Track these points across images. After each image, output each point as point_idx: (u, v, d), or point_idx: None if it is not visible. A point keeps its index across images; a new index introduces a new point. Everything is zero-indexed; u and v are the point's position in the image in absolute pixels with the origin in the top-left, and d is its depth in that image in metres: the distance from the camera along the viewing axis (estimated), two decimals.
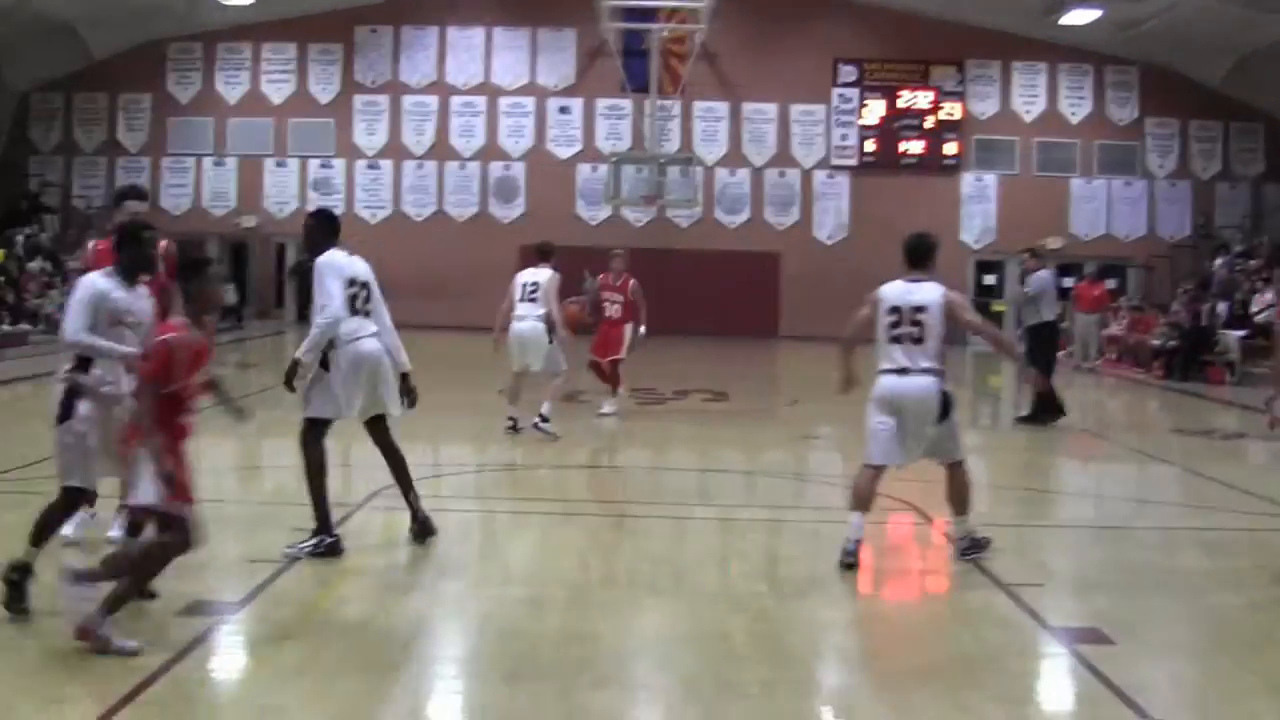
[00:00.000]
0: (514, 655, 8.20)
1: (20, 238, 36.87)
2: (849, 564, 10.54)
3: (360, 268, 10.95)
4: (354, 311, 10.75)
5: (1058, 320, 22.35)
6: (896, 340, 10.81)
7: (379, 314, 11.11)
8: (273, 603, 9.33)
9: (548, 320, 17.90)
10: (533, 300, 17.86)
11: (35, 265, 35.23)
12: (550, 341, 17.95)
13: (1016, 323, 22.62)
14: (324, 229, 11.01)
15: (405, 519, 11.50)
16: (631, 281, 21.41)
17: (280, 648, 8.32)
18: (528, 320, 17.86)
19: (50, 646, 8.07)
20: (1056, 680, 8.48)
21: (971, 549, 10.96)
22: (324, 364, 10.72)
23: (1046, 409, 21.36)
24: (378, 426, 11.21)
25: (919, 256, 11.16)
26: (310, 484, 10.72)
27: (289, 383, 10.89)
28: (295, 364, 10.72)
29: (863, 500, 10.82)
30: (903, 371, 10.77)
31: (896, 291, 10.98)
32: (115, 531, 10.34)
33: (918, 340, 10.80)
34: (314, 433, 10.85)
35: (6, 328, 30.76)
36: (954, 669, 8.25)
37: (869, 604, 10.19)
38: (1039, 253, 23.17)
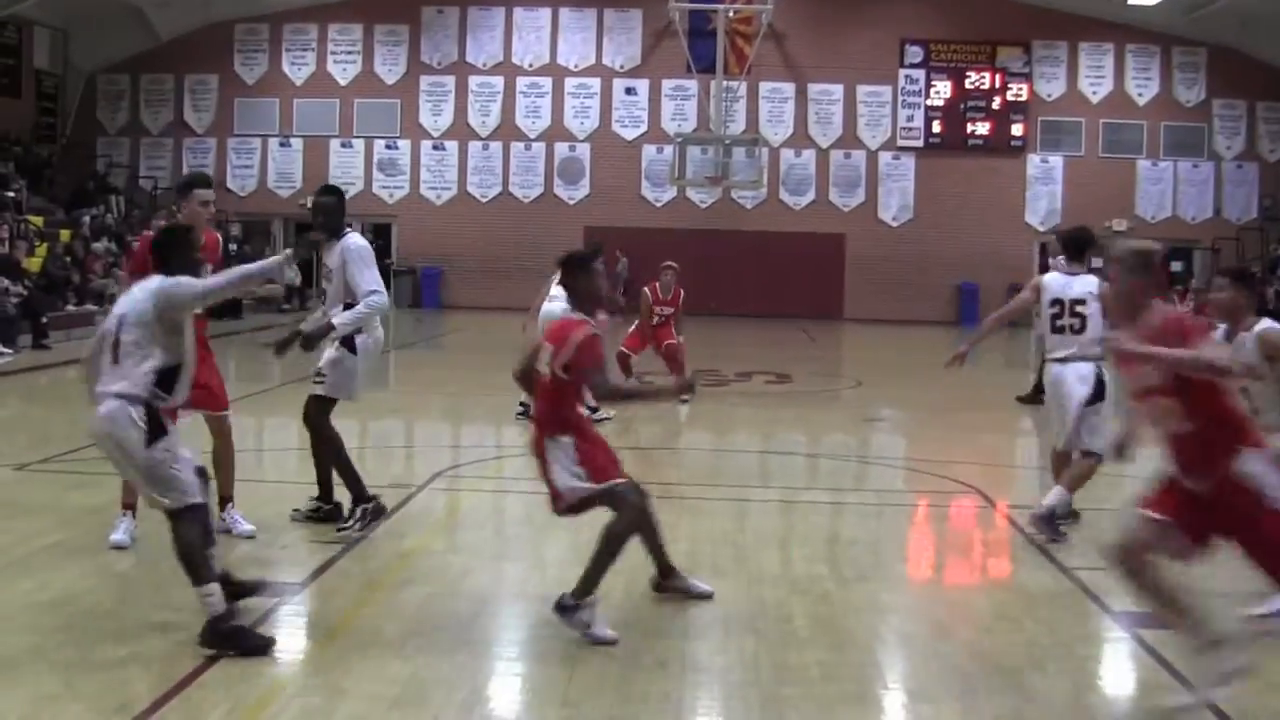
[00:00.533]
0: (574, 638, 8.20)
1: (87, 218, 37.07)
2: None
3: None
4: None
5: None
6: (1059, 330, 11.17)
7: None
8: (334, 583, 9.37)
9: None
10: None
11: (100, 246, 35.42)
12: None
13: None
14: (344, 208, 10.93)
15: (468, 500, 11.54)
16: (682, 294, 21.37)
17: (341, 628, 8.37)
18: (561, 300, 17.56)
19: (116, 627, 8.13)
20: (1120, 665, 8.44)
21: (1044, 524, 10.95)
22: (348, 345, 10.65)
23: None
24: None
25: (1077, 249, 11.46)
26: (337, 461, 10.78)
27: (311, 346, 10.57)
28: (329, 328, 10.50)
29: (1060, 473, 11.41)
30: (1064, 360, 11.14)
31: (1058, 283, 11.31)
32: (245, 526, 10.44)
33: (1078, 331, 11.10)
34: (328, 411, 10.82)
35: (72, 308, 30.95)
36: (1017, 653, 8.21)
37: (930, 588, 10.16)
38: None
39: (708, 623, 8.76)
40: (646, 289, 21.12)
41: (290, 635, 8.44)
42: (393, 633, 8.21)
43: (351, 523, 10.49)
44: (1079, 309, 11.06)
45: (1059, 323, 11.13)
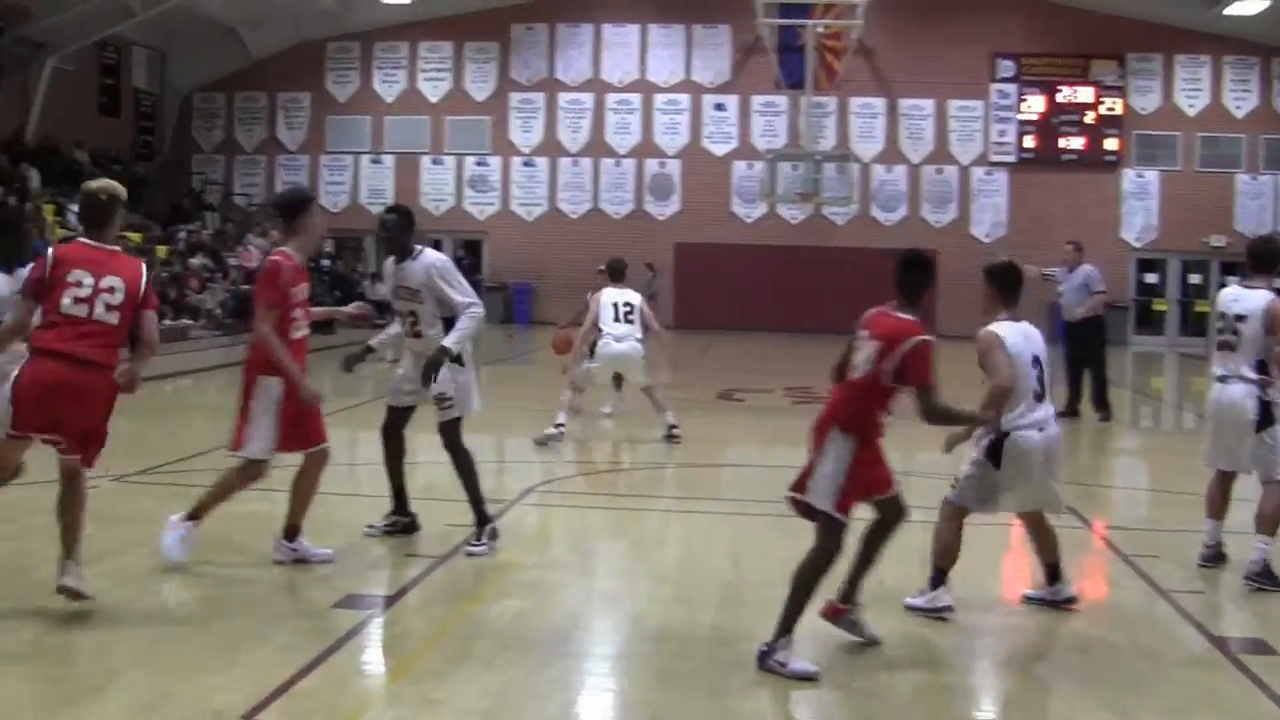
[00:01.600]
0: (666, 654, 8.18)
1: (182, 234, 37.42)
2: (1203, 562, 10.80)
3: None
4: None
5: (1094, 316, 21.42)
6: (1220, 346, 10.65)
7: None
8: (427, 596, 9.39)
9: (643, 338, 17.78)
10: (629, 321, 17.53)
11: (196, 262, 35.73)
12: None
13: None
14: (411, 226, 10.93)
15: (560, 515, 11.52)
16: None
17: (433, 641, 8.39)
18: (628, 341, 17.47)
19: (211, 637, 8.16)
20: (1219, 691, 8.26)
21: (1264, 577, 10.33)
22: (458, 360, 10.57)
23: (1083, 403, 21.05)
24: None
25: (1259, 261, 10.78)
26: (471, 481, 10.72)
27: (429, 376, 10.53)
28: (443, 352, 10.40)
29: (1211, 506, 11.02)
30: (1222, 380, 10.58)
31: (1227, 297, 10.72)
32: (322, 551, 10.26)
33: (1233, 348, 10.47)
34: (459, 431, 10.79)
35: (168, 323, 31.22)
36: (1114, 676, 8.08)
37: (1025, 608, 10.03)
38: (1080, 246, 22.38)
39: (800, 642, 8.67)
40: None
41: (383, 647, 8.46)
42: (484, 646, 8.20)
43: (483, 544, 10.45)
44: (1239, 326, 10.41)
45: (1219, 338, 10.59)
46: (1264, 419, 10.38)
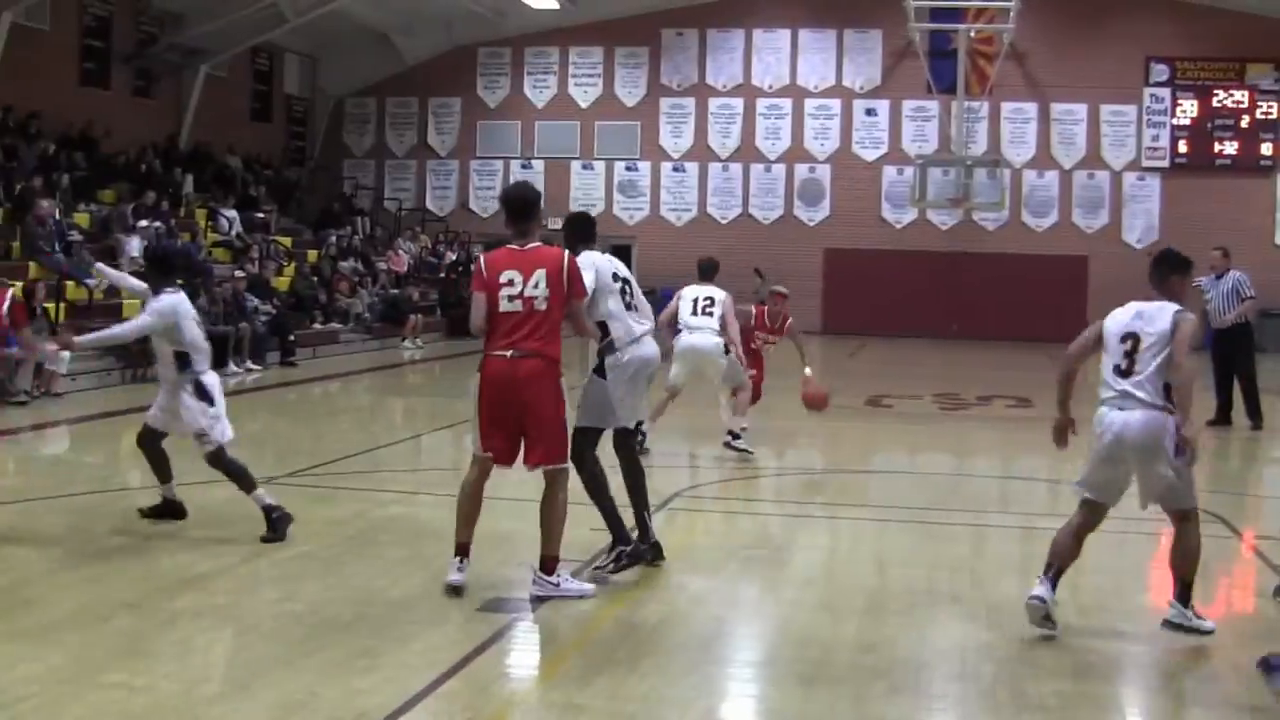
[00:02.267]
0: (809, 660, 8.19)
1: (333, 239, 37.93)
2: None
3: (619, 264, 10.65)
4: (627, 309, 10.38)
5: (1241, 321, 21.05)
6: None
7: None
8: (571, 601, 9.41)
9: (725, 337, 16.49)
10: (708, 314, 16.48)
11: (346, 266, 36.22)
12: (727, 353, 16.55)
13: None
14: (575, 235, 10.71)
15: (705, 520, 11.58)
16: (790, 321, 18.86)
17: (576, 646, 8.48)
18: (703, 332, 16.40)
19: (357, 638, 8.28)
20: (1215, 694, 8.18)
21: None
22: (598, 371, 10.20)
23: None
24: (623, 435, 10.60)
25: None
26: (597, 498, 10.32)
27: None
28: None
29: None
30: None
31: None
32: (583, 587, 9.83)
33: None
34: (588, 443, 10.24)
35: (319, 326, 31.67)
36: (1254, 692, 7.98)
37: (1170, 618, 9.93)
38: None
39: (945, 649, 8.67)
40: (754, 308, 19.00)
41: (527, 650, 8.57)
42: (628, 651, 8.26)
43: (607, 563, 10.19)
44: None
45: None
46: None
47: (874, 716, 7.31)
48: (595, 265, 10.16)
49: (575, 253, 10.11)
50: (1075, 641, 8.90)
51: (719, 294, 16.79)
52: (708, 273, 17.07)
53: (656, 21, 45.37)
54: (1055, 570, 8.97)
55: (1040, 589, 8.87)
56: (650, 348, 10.31)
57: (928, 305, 42.28)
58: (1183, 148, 43.75)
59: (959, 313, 40.45)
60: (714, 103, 45.45)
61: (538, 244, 9.43)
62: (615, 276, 10.36)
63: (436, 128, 46.81)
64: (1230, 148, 43.60)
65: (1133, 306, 9.23)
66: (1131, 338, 9.10)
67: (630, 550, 10.24)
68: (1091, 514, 9.19)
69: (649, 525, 10.48)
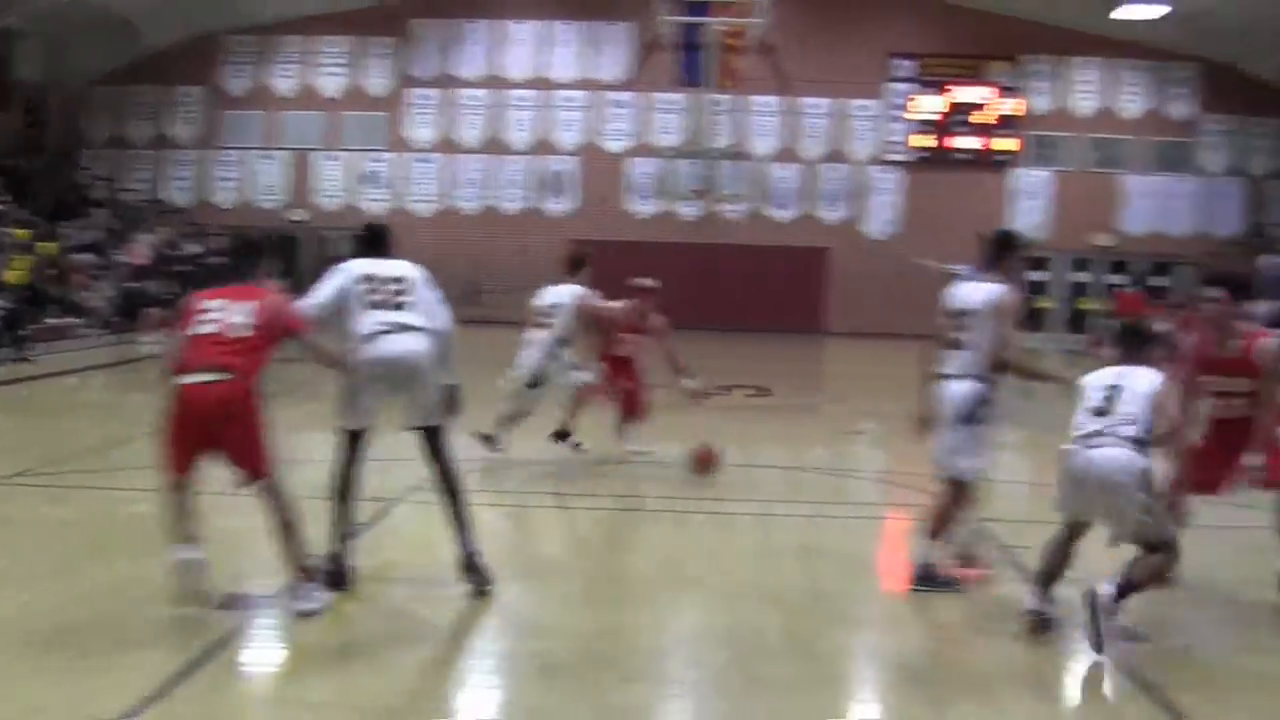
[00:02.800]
0: (546, 651, 8.22)
1: (69, 231, 37.07)
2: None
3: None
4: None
5: None
6: (949, 345, 10.31)
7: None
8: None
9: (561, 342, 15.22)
10: (541, 326, 15.24)
11: (83, 259, 35.43)
12: (559, 360, 15.23)
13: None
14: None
15: (438, 513, 11.56)
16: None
17: (317, 641, 8.39)
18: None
19: (87, 641, 8.11)
20: (1092, 679, 8.43)
21: (924, 580, 10.01)
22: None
23: None
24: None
25: (994, 254, 10.56)
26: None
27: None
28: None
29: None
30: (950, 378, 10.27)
31: (959, 293, 10.42)
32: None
33: (960, 345, 10.21)
34: (341, 443, 9.79)
35: (53, 321, 30.94)
36: (989, 668, 8.24)
37: (904, 600, 10.13)
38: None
39: (681, 636, 8.75)
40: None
41: (264, 649, 8.43)
42: (366, 647, 8.23)
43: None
44: (967, 322, 10.09)
45: (949, 336, 10.29)
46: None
47: (612, 705, 7.38)
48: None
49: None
50: (809, 625, 9.04)
51: (566, 294, 15.35)
52: (574, 265, 15.44)
53: (405, 11, 45.14)
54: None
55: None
56: (389, 345, 9.40)
57: (673, 296, 42.46)
58: (923, 142, 44.71)
59: (703, 303, 40.78)
60: (462, 94, 45.31)
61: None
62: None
63: (179, 117, 45.99)
64: (969, 142, 44.72)
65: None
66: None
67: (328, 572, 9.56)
68: None
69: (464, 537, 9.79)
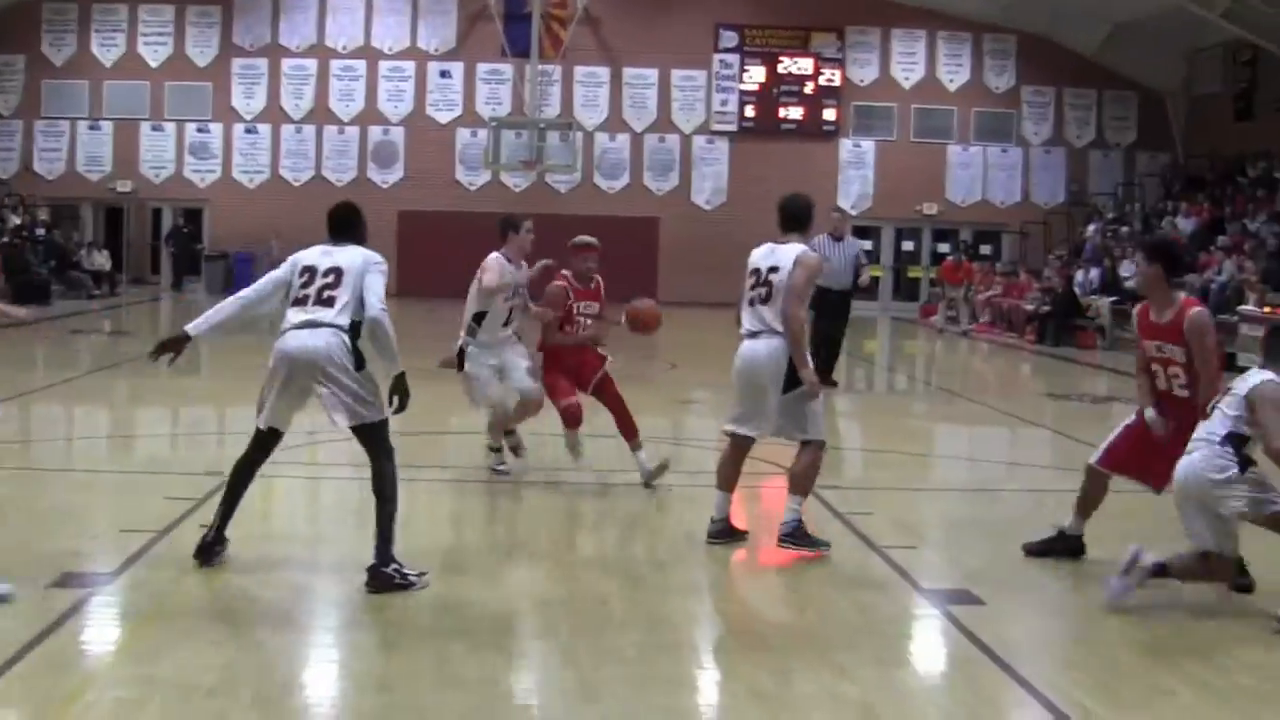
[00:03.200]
0: (390, 623, 8.24)
1: None
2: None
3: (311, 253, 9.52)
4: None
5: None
6: (751, 302, 10.34)
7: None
8: (147, 573, 9.25)
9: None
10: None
11: None
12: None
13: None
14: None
15: (282, 486, 11.49)
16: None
17: (155, 618, 8.28)
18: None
19: None
20: (930, 641, 8.65)
21: (794, 538, 10.28)
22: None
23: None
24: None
25: (790, 219, 10.56)
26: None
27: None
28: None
29: (722, 477, 10.62)
30: (753, 335, 10.29)
31: (758, 254, 10.48)
32: None
33: (765, 300, 10.24)
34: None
35: None
36: (829, 632, 8.37)
37: (745, 568, 10.27)
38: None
39: (524, 607, 8.80)
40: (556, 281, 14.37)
41: (102, 627, 8.33)
42: (207, 621, 8.18)
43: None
44: (772, 278, 10.20)
45: (750, 294, 10.47)
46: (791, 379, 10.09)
47: (456, 675, 7.38)
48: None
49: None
50: (652, 594, 9.15)
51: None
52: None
53: None
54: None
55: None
56: (288, 341, 9.13)
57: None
58: (750, 112, 45.04)
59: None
60: (287, 64, 44.83)
61: None
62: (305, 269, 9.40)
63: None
64: (795, 113, 45.10)
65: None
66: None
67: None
68: None
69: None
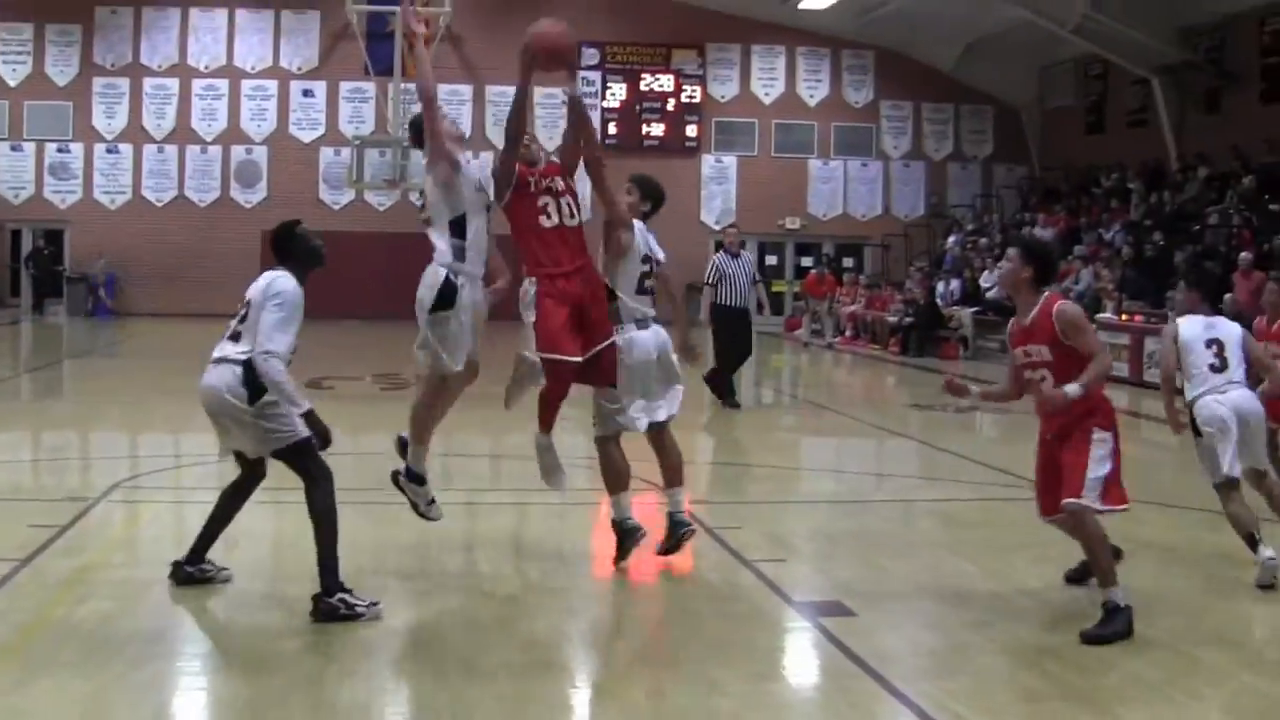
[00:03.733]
0: (258, 649, 8.18)
1: None
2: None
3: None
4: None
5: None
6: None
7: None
8: (11, 601, 9.12)
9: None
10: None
11: None
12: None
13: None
14: None
15: (148, 511, 11.38)
16: None
17: (18, 648, 8.17)
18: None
19: None
20: (801, 654, 8.72)
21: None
22: None
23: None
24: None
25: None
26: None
27: None
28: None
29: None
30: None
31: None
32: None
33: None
34: None
35: None
36: (701, 647, 8.39)
37: (615, 585, 10.29)
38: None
39: (395, 629, 8.78)
40: None
41: None
42: (73, 651, 8.04)
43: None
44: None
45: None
46: None
47: (328, 701, 7.35)
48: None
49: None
50: (522, 613, 9.15)
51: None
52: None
53: None
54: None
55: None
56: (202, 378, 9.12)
57: (367, 286, 42.19)
58: (613, 129, 45.11)
59: (396, 294, 40.54)
60: (149, 83, 44.38)
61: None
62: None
63: None
64: (658, 129, 45.32)
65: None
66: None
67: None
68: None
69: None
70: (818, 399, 25.00)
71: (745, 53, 45.84)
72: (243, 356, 8.92)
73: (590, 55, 45.00)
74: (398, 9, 40.97)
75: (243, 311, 9.09)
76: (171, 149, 44.46)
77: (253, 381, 8.87)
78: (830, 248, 45.16)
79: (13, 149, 44.18)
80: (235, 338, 9.05)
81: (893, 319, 34.57)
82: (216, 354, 9.10)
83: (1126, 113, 39.58)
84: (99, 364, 29.51)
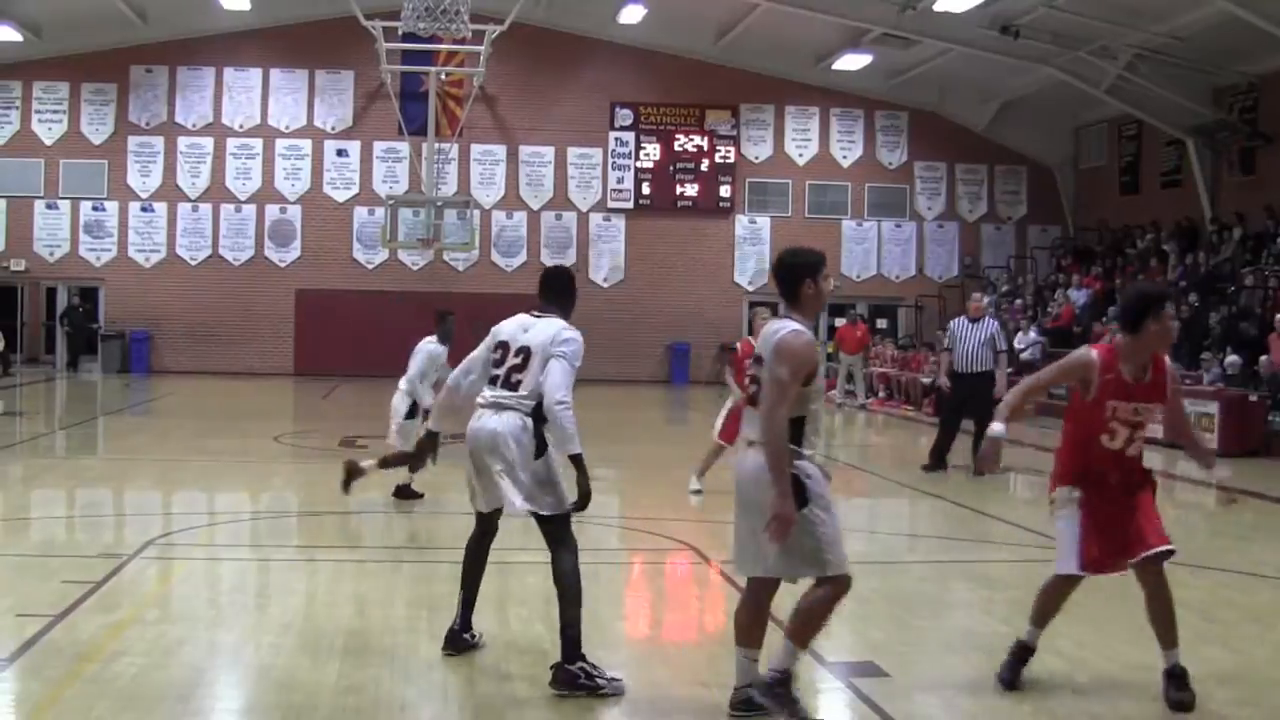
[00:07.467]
0: (292, 706, 8.16)
1: None
2: None
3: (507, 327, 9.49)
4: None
5: None
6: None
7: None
8: (45, 657, 9.12)
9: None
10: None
11: None
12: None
13: None
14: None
15: (181, 568, 11.36)
16: None
17: (53, 703, 8.18)
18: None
19: None
20: (835, 714, 8.65)
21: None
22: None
23: None
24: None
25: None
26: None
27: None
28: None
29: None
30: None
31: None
32: None
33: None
34: None
35: None
36: (565, 711, 8.38)
37: (649, 645, 10.26)
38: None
39: (426, 688, 8.75)
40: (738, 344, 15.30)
41: None
42: (105, 708, 8.04)
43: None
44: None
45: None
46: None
47: None
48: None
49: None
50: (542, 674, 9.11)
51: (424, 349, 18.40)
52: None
53: (125, 58, 44.24)
54: None
55: None
56: (472, 422, 9.21)
57: (399, 346, 42.13)
58: (646, 190, 45.25)
59: None
60: (183, 142, 44.63)
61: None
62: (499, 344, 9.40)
63: None
64: (691, 189, 45.40)
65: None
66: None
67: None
68: None
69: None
70: (851, 459, 24.90)
71: (779, 113, 45.95)
72: (529, 405, 8.93)
73: (624, 115, 45.20)
74: (431, 69, 41.31)
75: (518, 360, 9.09)
76: (206, 208, 44.65)
77: (540, 434, 8.88)
78: (864, 309, 45.13)
79: (49, 207, 44.40)
80: (513, 385, 9.03)
81: (926, 380, 34.47)
82: (490, 397, 9.11)
83: (1161, 173, 39.59)
84: (132, 421, 29.59)
